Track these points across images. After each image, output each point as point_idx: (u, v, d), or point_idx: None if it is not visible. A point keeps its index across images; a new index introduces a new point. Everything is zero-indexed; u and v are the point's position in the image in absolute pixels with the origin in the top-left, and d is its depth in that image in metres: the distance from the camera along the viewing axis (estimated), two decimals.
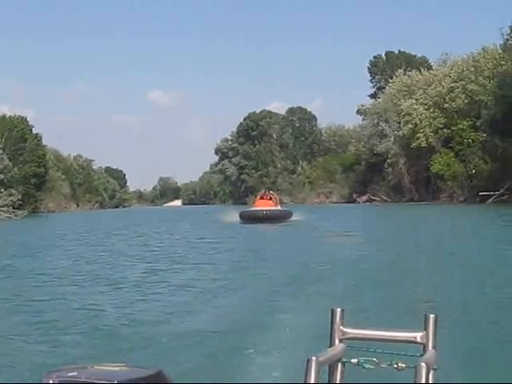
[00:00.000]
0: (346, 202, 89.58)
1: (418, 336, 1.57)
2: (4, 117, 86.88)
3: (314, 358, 1.45)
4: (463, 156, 70.17)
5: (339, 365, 1.62)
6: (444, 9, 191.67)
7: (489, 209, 47.73)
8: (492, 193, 60.33)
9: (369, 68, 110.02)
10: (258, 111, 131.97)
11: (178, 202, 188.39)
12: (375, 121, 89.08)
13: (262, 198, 42.00)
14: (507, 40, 66.33)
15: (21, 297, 12.75)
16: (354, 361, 1.61)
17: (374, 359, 1.58)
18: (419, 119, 76.41)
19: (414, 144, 76.32)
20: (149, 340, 8.31)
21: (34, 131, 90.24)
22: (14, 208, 63.95)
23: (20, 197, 70.42)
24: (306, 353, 1.52)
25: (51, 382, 1.63)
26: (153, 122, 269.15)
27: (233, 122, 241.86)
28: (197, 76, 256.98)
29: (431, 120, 75.53)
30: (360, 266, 16.51)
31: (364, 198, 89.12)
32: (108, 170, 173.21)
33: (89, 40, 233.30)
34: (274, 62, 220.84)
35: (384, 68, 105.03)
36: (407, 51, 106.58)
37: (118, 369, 1.74)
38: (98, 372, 1.71)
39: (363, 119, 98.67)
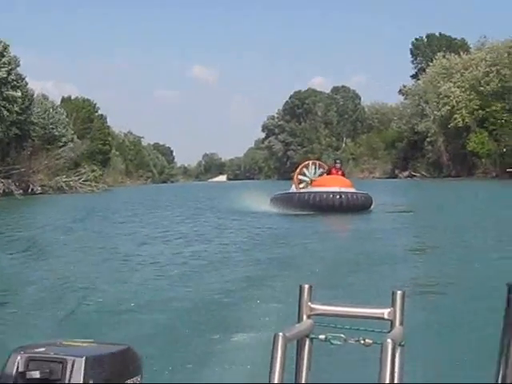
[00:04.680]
0: (388, 178, 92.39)
1: (386, 312, 1.56)
2: (70, 98, 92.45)
3: (280, 334, 1.45)
4: (496, 135, 74.38)
5: (307, 341, 1.61)
6: None
7: (510, 183, 51.36)
8: None
9: (411, 50, 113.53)
10: (303, 90, 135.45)
11: (222, 178, 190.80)
12: (416, 101, 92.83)
13: (330, 172, 27.66)
14: None
15: None
16: (322, 337, 1.59)
17: (342, 335, 1.56)
18: (456, 101, 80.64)
19: (451, 124, 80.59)
20: (120, 317, 8.22)
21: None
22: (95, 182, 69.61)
23: (100, 172, 76.88)
24: (275, 330, 1.47)
25: (19, 357, 1.61)
26: (195, 98, 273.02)
27: (275, 98, 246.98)
28: (237, 53, 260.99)
29: (467, 102, 79.66)
30: (342, 243, 16.74)
31: (405, 173, 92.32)
32: (156, 146, 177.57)
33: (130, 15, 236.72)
34: (316, 39, 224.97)
35: (425, 50, 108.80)
36: (447, 34, 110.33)
37: (86, 344, 1.75)
38: (66, 348, 1.72)
39: (405, 98, 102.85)
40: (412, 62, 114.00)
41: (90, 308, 9.01)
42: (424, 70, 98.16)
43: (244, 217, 25.19)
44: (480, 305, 7.99)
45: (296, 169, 30.54)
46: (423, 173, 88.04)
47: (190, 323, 7.77)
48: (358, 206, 25.29)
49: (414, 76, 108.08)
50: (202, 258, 13.84)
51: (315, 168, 29.02)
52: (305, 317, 1.64)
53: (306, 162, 30.13)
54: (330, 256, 13.88)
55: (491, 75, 78.06)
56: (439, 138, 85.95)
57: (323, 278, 10.48)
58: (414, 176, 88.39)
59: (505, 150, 71.74)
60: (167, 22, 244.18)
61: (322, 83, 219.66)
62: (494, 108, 75.94)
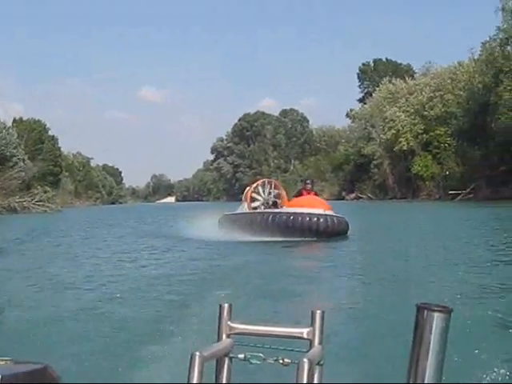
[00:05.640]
0: (335, 200, 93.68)
1: (305, 332, 1.57)
2: (22, 119, 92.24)
3: (197, 353, 1.44)
4: (440, 159, 76.47)
5: (226, 360, 1.60)
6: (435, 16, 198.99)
7: (450, 205, 53.24)
8: (459, 191, 67.29)
9: (358, 74, 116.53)
10: (252, 112, 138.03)
11: (171, 199, 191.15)
12: (363, 125, 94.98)
13: (301, 193, 24.15)
14: (478, 57, 72.46)
15: None
16: (241, 356, 1.59)
17: (261, 354, 1.56)
18: (401, 125, 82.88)
19: (396, 147, 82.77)
20: (38, 335, 8.00)
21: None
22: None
23: (53, 193, 76.74)
24: (194, 349, 1.45)
25: None
26: (145, 119, 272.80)
27: (224, 120, 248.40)
28: (187, 74, 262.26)
29: (412, 126, 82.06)
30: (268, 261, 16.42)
31: (352, 195, 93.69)
32: (105, 167, 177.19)
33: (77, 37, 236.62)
34: (266, 62, 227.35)
35: (372, 75, 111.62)
36: (394, 59, 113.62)
37: (2, 363, 1.62)
38: None
39: (352, 122, 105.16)
40: (359, 86, 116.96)
41: (8, 326, 8.76)
42: (371, 95, 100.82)
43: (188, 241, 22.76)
44: (399, 324, 8.26)
45: (246, 188, 27.04)
46: (369, 195, 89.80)
47: (110, 343, 7.57)
48: (340, 231, 22.25)
49: (361, 100, 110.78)
50: (130, 279, 13.25)
51: (270, 187, 25.84)
52: (224, 336, 1.66)
53: (261, 181, 26.59)
54: (256, 276, 13.45)
55: (435, 100, 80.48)
56: (385, 161, 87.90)
57: (247, 297, 10.30)
58: (361, 198, 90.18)
59: (448, 172, 73.61)
60: (116, 42, 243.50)
61: (272, 105, 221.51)
62: (437, 132, 78.02)
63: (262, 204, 25.15)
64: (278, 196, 25.45)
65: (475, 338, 7.08)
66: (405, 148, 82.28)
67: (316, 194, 24.74)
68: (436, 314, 1.44)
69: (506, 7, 64.85)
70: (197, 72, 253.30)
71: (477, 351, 6.49)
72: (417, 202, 66.80)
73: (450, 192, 68.45)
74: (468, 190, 67.46)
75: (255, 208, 24.92)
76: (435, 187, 77.05)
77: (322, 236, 21.47)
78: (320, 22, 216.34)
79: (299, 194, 24.28)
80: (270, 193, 25.51)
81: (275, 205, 24.62)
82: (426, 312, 1.45)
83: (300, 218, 21.84)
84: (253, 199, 25.47)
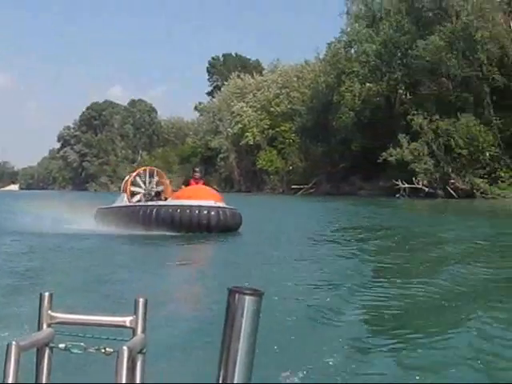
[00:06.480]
0: None
1: (128, 320, 1.56)
2: None
3: (14, 343, 1.38)
4: (284, 154, 78.74)
5: (46, 350, 1.54)
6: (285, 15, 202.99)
7: (293, 198, 55.65)
8: (302, 186, 69.73)
9: (207, 68, 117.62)
10: (100, 101, 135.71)
11: (14, 187, 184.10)
12: (211, 118, 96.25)
13: (189, 183, 21.82)
14: (324, 57, 75.21)
15: None
16: (62, 346, 1.54)
17: (82, 344, 1.53)
18: (248, 120, 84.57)
19: (243, 142, 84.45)
20: None
21: None
22: None
23: None
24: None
25: None
26: None
27: (72, 107, 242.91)
28: (36, 59, 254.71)
29: (258, 121, 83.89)
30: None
31: None
32: None
33: None
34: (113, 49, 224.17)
35: (221, 69, 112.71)
36: (243, 55, 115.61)
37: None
38: None
39: (200, 115, 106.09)
40: (208, 79, 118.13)
41: None
42: (219, 88, 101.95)
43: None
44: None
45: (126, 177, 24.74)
46: (215, 187, 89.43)
47: None
48: (233, 226, 20.28)
49: (210, 93, 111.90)
50: None
51: (152, 176, 23.66)
52: (45, 325, 1.60)
53: (140, 170, 24.34)
54: (86, 267, 13.33)
55: (281, 97, 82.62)
56: (231, 155, 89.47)
57: (74, 287, 10.18)
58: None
59: (291, 167, 76.09)
60: None
61: (120, 95, 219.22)
62: (282, 128, 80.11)
63: (144, 196, 22.92)
64: (160, 187, 23.22)
65: (288, 324, 7.60)
66: (251, 142, 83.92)
67: (205, 184, 22.45)
68: (247, 297, 1.45)
69: (350, 11, 67.59)
70: (44, 58, 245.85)
71: (292, 337, 6.99)
72: (262, 196, 68.50)
73: (293, 186, 70.72)
74: (310, 184, 69.87)
75: (138, 201, 22.65)
76: (279, 181, 79.23)
77: (213, 231, 19.44)
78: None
79: (186, 184, 21.97)
80: (150, 182, 23.38)
81: (158, 196, 22.55)
82: (237, 295, 1.45)
83: (188, 211, 19.71)
84: (132, 191, 23.22)
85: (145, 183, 23.33)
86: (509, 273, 11.86)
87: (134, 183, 23.39)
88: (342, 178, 64.68)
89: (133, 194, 23.02)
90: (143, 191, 23.12)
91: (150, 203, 21.49)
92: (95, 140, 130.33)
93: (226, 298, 1.46)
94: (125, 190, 23.32)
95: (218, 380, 1.45)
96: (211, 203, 19.84)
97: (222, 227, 19.69)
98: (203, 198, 20.01)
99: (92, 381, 5.36)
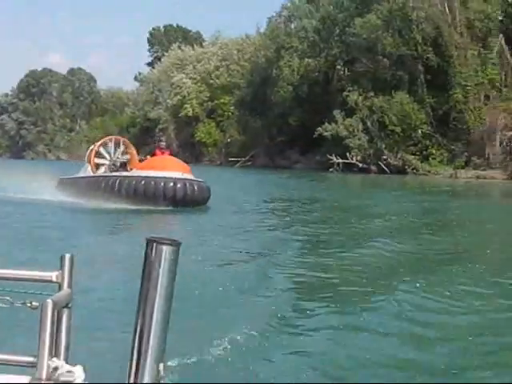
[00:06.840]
0: None
1: (54, 275, 1.52)
2: None
3: None
4: (222, 127, 79.21)
5: None
6: None
7: (231, 169, 56.20)
8: (239, 159, 70.37)
9: (148, 38, 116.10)
10: (39, 69, 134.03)
11: None
12: (150, 89, 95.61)
13: (154, 154, 21.32)
14: (264, 31, 75.52)
15: None
16: None
17: (8, 298, 1.51)
18: (187, 92, 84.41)
19: (182, 113, 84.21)
20: None
21: None
22: None
23: None
24: None
25: None
26: None
27: (9, 74, 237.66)
28: None
29: (198, 93, 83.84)
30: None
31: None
32: None
33: None
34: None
35: (162, 40, 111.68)
36: (184, 26, 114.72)
37: None
38: None
39: (140, 85, 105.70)
40: (149, 50, 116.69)
41: None
42: (160, 60, 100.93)
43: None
44: None
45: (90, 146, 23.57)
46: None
47: None
48: (201, 200, 19.51)
49: (150, 64, 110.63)
50: None
51: (118, 146, 22.68)
52: None
53: (105, 139, 23.14)
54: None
55: (221, 69, 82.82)
56: (170, 126, 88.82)
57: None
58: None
59: (229, 140, 76.55)
60: None
61: (60, 62, 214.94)
62: (222, 101, 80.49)
63: (109, 167, 22.04)
64: (126, 155, 22.30)
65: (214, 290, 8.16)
66: (190, 114, 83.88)
67: (171, 154, 21.53)
68: (165, 247, 1.43)
69: None
70: None
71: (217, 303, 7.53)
72: (200, 167, 68.91)
73: (231, 159, 71.37)
74: (247, 157, 70.59)
75: (104, 172, 21.67)
76: (217, 153, 79.71)
77: (179, 205, 18.68)
78: None
79: (152, 154, 21.16)
80: (115, 151, 22.41)
81: (124, 167, 21.69)
82: (154, 245, 1.43)
83: (153, 183, 18.84)
84: (97, 163, 22.26)
85: (110, 154, 22.37)
86: (433, 247, 12.75)
87: (98, 154, 22.35)
88: (279, 151, 65.59)
89: (97, 165, 22.10)
90: (108, 162, 22.21)
91: (113, 174, 20.65)
92: (33, 108, 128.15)
93: (144, 249, 1.45)
94: (89, 161, 22.44)
95: (136, 328, 1.44)
96: (178, 175, 19.04)
97: (189, 201, 18.88)
98: (169, 169, 19.25)
99: (17, 334, 5.39)
